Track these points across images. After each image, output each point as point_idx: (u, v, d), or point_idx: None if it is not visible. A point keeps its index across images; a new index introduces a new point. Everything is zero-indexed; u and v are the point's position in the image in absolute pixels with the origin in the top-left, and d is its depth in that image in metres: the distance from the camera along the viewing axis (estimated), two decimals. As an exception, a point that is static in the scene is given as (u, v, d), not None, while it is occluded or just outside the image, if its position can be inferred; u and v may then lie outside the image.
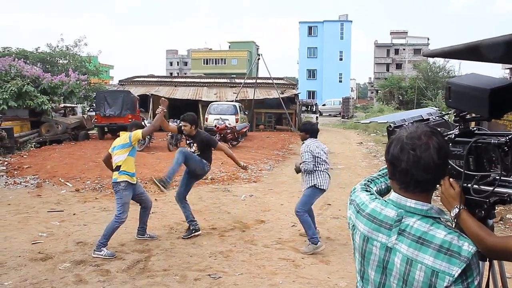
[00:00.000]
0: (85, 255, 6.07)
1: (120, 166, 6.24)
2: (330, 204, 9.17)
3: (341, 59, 66.84)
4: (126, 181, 6.24)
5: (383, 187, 2.01)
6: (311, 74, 68.66)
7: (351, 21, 68.70)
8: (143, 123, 17.98)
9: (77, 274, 5.42)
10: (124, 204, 6.19)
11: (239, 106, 22.81)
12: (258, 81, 29.75)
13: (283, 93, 28.93)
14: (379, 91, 54.31)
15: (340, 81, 66.41)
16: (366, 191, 1.86)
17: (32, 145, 17.95)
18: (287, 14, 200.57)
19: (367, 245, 1.71)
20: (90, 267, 5.65)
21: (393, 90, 46.01)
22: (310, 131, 6.66)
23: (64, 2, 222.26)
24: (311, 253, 6.18)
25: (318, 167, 6.38)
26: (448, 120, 2.44)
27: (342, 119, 42.54)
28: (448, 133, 2.00)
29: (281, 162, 15.15)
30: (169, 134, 17.71)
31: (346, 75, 67.88)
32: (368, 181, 1.99)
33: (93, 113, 24.56)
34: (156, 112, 6.70)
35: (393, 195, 1.69)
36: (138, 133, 6.33)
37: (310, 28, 68.40)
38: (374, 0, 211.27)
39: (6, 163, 13.99)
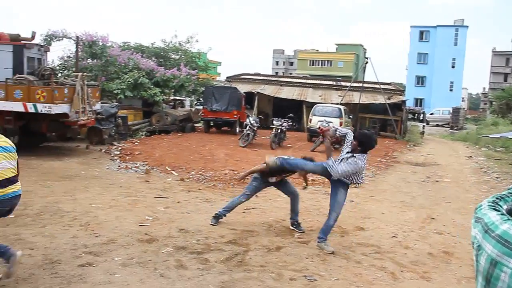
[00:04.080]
0: (186, 242, 6.28)
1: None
2: (434, 218, 8.71)
3: (453, 67, 63.57)
4: None
5: None
6: (420, 81, 66.05)
7: (467, 27, 64.95)
8: (247, 119, 18.41)
9: (178, 259, 5.62)
10: None
11: (344, 110, 22.45)
12: (365, 85, 29.13)
13: (389, 99, 28.05)
14: (493, 103, 50.84)
15: (451, 90, 63.19)
16: (495, 210, 1.69)
17: (143, 134, 19.05)
18: (398, 19, 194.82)
19: (495, 269, 1.56)
20: (190, 255, 5.83)
21: (511, 103, 42.79)
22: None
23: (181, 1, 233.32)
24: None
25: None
26: None
27: (450, 130, 40.45)
28: None
29: (384, 170, 14.70)
30: (273, 132, 17.89)
31: (458, 83, 64.41)
32: (497, 198, 1.82)
33: (200, 107, 25.49)
34: None
35: None
36: None
37: (421, 32, 65.77)
38: (495, 5, 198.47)
39: (120, 148, 14.95)
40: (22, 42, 13.14)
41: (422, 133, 30.23)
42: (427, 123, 39.73)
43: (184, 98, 27.27)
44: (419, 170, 15.06)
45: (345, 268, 5.77)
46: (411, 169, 15.22)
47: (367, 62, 28.89)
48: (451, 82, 63.45)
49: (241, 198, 7.26)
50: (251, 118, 18.47)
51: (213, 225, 7.08)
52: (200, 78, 30.49)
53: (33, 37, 13.67)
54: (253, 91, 29.15)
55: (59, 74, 18.96)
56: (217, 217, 7.20)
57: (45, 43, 19.66)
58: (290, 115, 20.49)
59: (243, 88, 28.00)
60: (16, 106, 12.00)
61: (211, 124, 22.81)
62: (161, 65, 24.76)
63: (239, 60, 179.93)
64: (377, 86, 28.53)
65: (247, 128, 17.79)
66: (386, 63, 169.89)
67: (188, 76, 24.13)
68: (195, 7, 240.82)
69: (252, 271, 5.46)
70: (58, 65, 22.31)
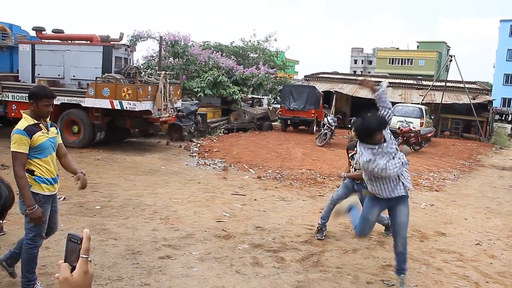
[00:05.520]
0: (262, 240, 6.33)
1: None
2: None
3: (549, 63, 59.02)
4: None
5: None
6: (509, 79, 62.08)
7: None
8: (325, 118, 18.26)
9: (254, 257, 5.68)
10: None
11: (425, 110, 21.68)
12: (448, 84, 27.96)
13: (474, 99, 26.72)
14: None
15: (545, 89, 58.80)
16: None
17: (221, 131, 19.40)
18: (485, 14, 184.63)
19: None
20: (266, 253, 5.87)
21: None
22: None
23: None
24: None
25: None
26: None
27: (542, 133, 37.87)
28: None
29: (467, 173, 14.04)
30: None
31: (555, 82, 59.80)
32: None
33: (278, 106, 25.59)
34: None
35: None
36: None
37: (513, 26, 61.69)
38: None
39: (198, 145, 15.35)
40: (111, 43, 13.80)
41: (510, 135, 28.55)
42: (515, 125, 37.48)
43: (262, 97, 27.50)
44: (506, 175, 14.23)
45: (424, 275, 5.57)
46: (497, 174, 14.42)
47: (451, 60, 27.65)
48: (546, 81, 59.07)
49: (331, 202, 6.67)
50: (328, 117, 18.30)
51: (320, 239, 6.55)
52: (278, 76, 30.62)
53: (121, 38, 14.32)
54: (331, 90, 28.88)
55: (143, 73, 19.77)
56: (321, 230, 6.70)
57: (131, 43, 20.58)
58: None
59: (321, 87, 27.82)
60: (104, 103, 12.62)
61: (289, 123, 22.86)
62: (240, 64, 25.13)
63: (317, 58, 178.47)
64: (461, 85, 27.32)
65: (325, 127, 17.65)
66: (471, 61, 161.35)
67: (267, 75, 24.32)
68: (273, 6, 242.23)
69: (327, 272, 5.41)
70: (142, 64, 23.28)
